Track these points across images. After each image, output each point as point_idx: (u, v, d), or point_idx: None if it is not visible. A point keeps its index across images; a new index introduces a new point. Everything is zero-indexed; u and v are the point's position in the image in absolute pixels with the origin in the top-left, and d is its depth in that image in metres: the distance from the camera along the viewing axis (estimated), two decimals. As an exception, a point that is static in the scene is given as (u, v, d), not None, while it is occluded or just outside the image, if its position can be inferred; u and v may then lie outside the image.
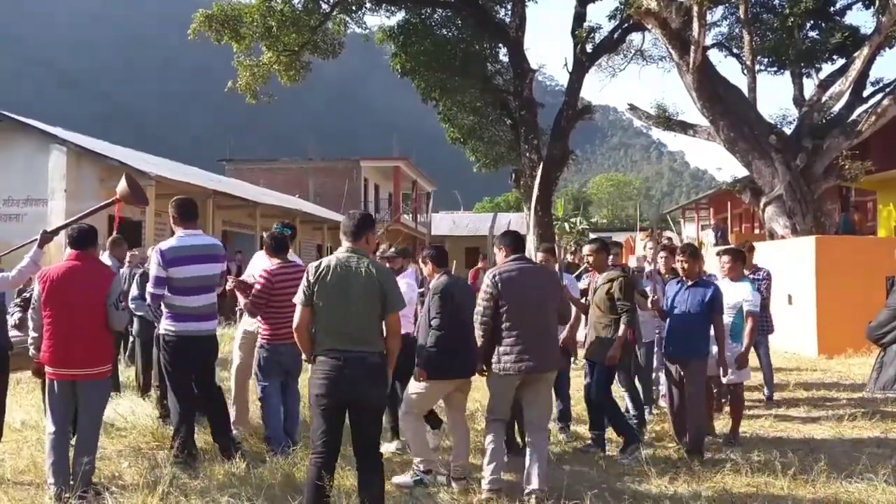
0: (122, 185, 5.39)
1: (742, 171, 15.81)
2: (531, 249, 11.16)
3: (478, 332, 4.64)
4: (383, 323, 3.97)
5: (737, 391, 6.09)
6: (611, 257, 6.18)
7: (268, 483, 4.66)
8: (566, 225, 42.18)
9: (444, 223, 44.88)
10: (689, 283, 5.66)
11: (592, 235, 36.41)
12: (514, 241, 4.83)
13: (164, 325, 5.07)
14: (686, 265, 5.66)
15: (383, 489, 3.96)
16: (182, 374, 5.10)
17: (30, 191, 15.35)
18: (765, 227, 14.37)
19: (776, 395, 7.78)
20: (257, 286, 5.38)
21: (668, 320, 5.76)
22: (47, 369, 4.54)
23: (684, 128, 15.76)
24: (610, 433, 5.76)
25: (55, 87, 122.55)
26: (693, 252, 5.88)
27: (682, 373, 5.62)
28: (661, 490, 4.66)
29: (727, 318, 5.80)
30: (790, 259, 11.91)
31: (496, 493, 4.46)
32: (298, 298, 3.96)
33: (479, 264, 14.14)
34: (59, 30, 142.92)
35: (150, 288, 4.91)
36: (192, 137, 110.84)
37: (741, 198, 15.76)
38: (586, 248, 6.24)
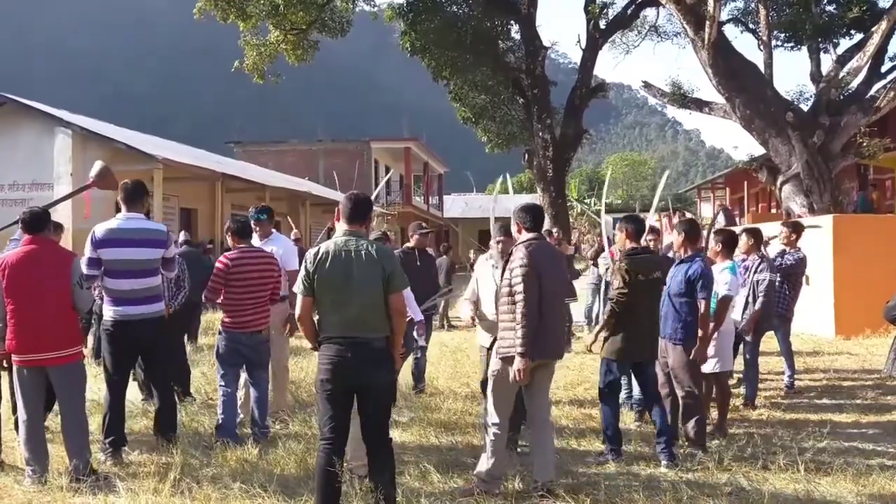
0: (96, 170, 5.47)
1: (759, 150, 15.57)
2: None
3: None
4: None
5: (718, 381, 5.63)
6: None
7: (280, 469, 4.65)
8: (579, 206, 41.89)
9: (457, 205, 44.74)
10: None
11: (608, 217, 36.07)
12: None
13: (105, 310, 5.10)
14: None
15: (394, 474, 3.92)
16: (117, 361, 5.08)
17: (35, 175, 15.28)
18: (781, 206, 14.16)
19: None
20: (215, 270, 5.35)
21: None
22: (14, 357, 4.52)
23: (700, 105, 15.53)
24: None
25: (59, 72, 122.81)
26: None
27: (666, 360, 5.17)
28: (677, 476, 4.59)
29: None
30: (807, 238, 11.72)
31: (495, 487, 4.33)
32: (298, 288, 3.88)
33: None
34: (63, 14, 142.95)
35: (83, 268, 4.90)
36: (198, 121, 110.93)
37: (758, 177, 15.54)
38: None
